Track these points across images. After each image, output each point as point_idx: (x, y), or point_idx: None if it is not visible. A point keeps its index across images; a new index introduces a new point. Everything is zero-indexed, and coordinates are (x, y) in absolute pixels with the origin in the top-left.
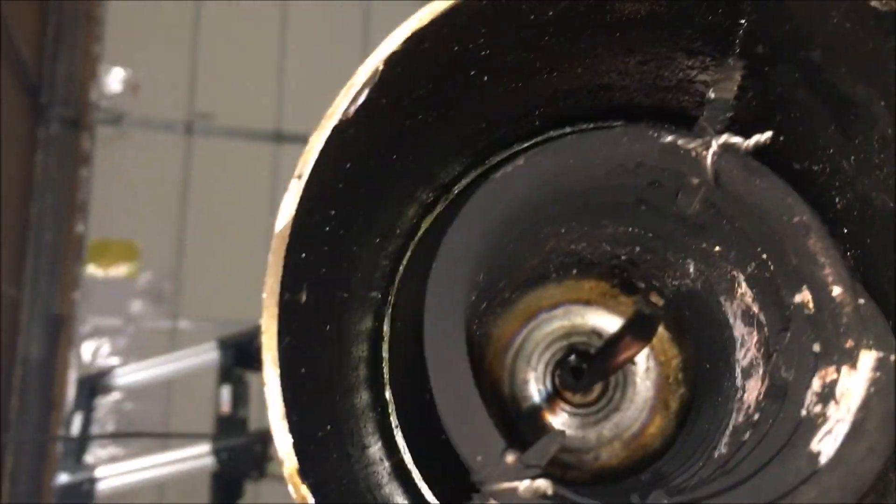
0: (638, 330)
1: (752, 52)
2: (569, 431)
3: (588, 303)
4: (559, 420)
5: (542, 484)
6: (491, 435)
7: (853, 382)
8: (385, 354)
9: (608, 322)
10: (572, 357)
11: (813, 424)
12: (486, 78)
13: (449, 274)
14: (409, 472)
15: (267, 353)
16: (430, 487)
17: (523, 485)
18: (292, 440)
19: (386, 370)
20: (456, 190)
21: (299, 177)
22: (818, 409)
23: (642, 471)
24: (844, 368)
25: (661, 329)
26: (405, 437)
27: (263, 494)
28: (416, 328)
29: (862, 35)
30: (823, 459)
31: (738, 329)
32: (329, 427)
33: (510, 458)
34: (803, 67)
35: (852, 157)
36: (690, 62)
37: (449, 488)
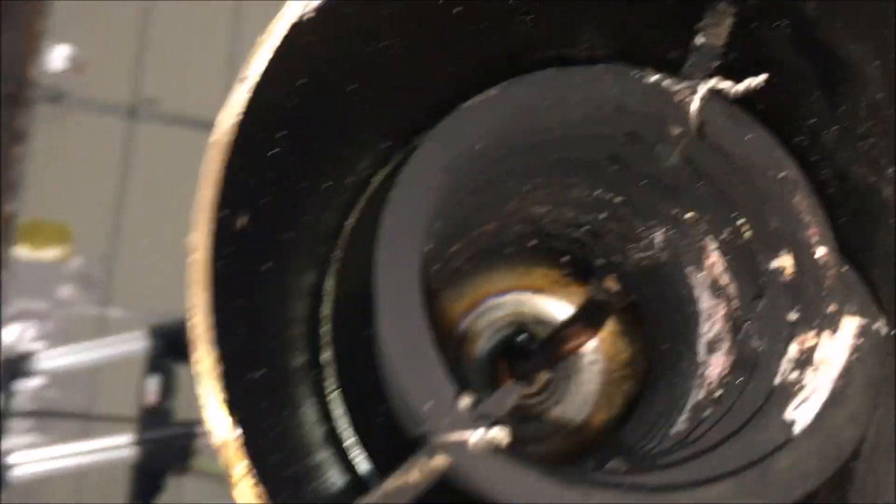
0: (589, 317)
1: (743, 1)
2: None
3: (538, 290)
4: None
5: (499, 434)
6: (442, 380)
7: (834, 348)
8: (326, 313)
9: (558, 311)
10: (521, 337)
11: (788, 392)
12: (454, 11)
13: (407, 205)
14: (342, 440)
15: (197, 275)
16: (369, 458)
17: (476, 435)
18: (223, 380)
19: (324, 331)
20: (416, 142)
21: (244, 79)
22: (794, 375)
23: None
24: (825, 334)
25: (611, 323)
26: (344, 402)
27: (186, 491)
28: (363, 288)
29: None
30: (799, 428)
31: (705, 301)
32: (261, 374)
33: (464, 402)
34: (796, 22)
35: (835, 128)
36: (675, 11)
37: (388, 458)
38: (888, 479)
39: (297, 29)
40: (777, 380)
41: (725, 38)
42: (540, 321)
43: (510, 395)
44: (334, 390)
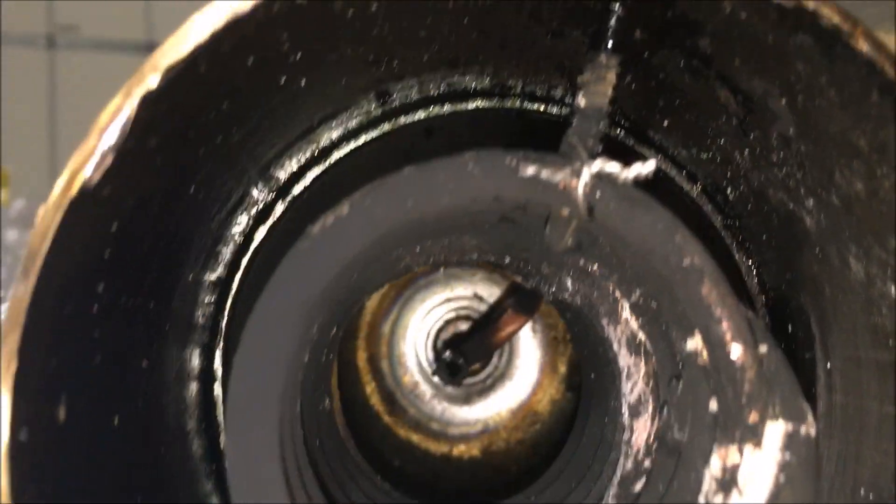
0: (519, 304)
1: (629, 38)
2: (454, 404)
3: (469, 265)
4: (443, 393)
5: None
6: None
7: (758, 466)
8: (218, 394)
9: (491, 286)
10: (447, 354)
11: None
12: (303, 84)
13: (256, 378)
14: None
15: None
16: None
17: None
18: None
19: (221, 413)
20: (295, 191)
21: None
22: (718, 499)
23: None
24: (748, 448)
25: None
26: None
27: None
28: None
29: (762, 28)
30: None
31: (624, 357)
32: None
33: None
34: (691, 56)
35: (746, 151)
36: (556, 60)
37: None
38: None
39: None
40: (701, 499)
41: (611, 96)
42: (474, 296)
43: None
44: None
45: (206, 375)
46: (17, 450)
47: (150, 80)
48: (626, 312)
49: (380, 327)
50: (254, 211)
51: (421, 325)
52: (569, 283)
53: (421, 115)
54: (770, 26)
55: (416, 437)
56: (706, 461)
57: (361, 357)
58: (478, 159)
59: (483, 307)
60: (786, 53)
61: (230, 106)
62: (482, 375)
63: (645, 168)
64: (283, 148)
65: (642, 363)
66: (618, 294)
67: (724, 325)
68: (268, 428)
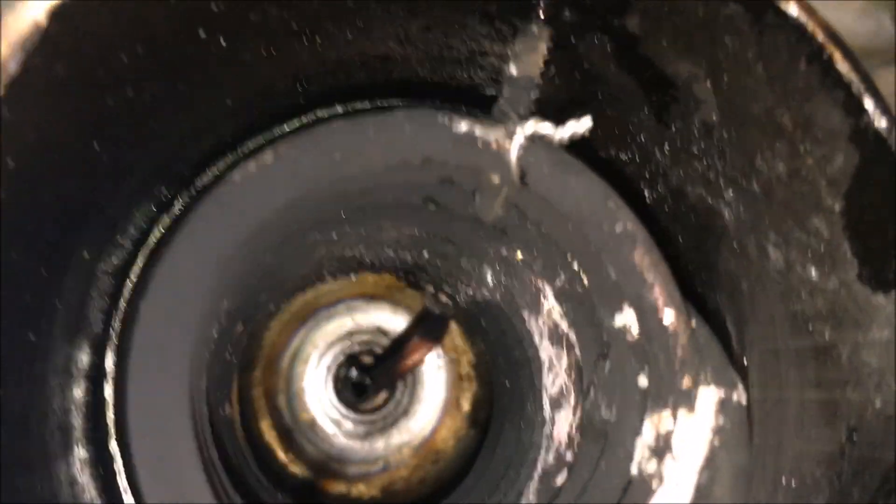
0: (427, 330)
1: (558, 18)
2: (353, 442)
3: (372, 298)
4: (342, 430)
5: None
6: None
7: (693, 431)
8: (109, 397)
9: (394, 319)
10: (353, 373)
11: (647, 487)
12: (223, 42)
13: (165, 320)
14: None
15: None
16: None
17: None
18: None
19: (111, 416)
20: (199, 183)
21: None
22: (652, 466)
23: (438, 493)
24: (681, 412)
25: (452, 324)
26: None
27: None
28: None
29: (691, 1)
30: None
31: (545, 350)
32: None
33: None
34: (617, 38)
35: (666, 146)
36: (485, 30)
37: None
38: None
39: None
40: (634, 468)
41: (541, 66)
42: (377, 330)
43: None
44: (126, 490)
45: (96, 374)
46: None
47: None
48: (548, 302)
49: (278, 361)
50: (156, 202)
51: (322, 359)
52: (489, 277)
53: (339, 108)
54: None
55: (313, 476)
56: (637, 434)
57: (258, 392)
58: (409, 116)
59: (386, 341)
60: (715, 28)
61: (145, 54)
62: (383, 412)
63: (580, 125)
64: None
65: (564, 354)
66: (540, 283)
67: (657, 290)
68: (177, 380)
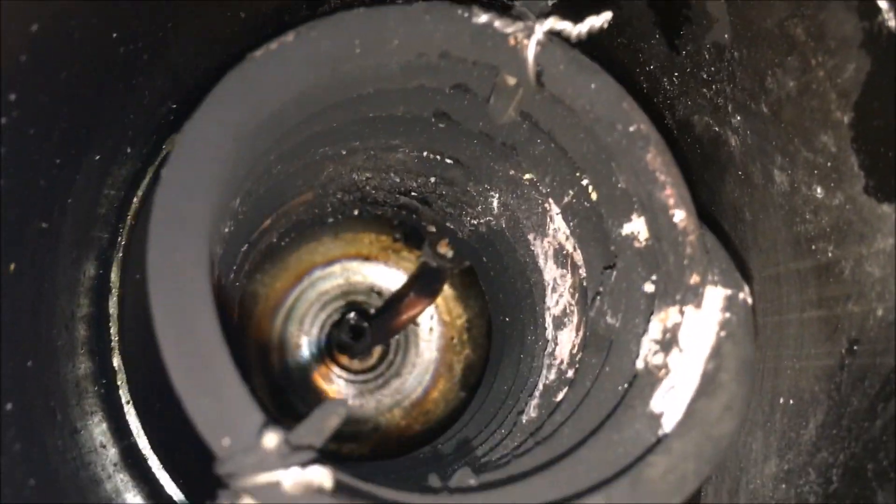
0: (423, 286)
1: None
2: (347, 400)
3: (367, 258)
4: (335, 388)
5: (318, 474)
6: (243, 407)
7: (700, 325)
8: (113, 310)
9: (389, 279)
10: (351, 315)
11: (652, 378)
12: None
13: (186, 185)
14: (144, 459)
15: None
16: (174, 478)
17: (291, 476)
18: None
19: (114, 331)
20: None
21: None
22: (658, 358)
23: (432, 440)
24: (689, 308)
25: (446, 287)
26: (139, 414)
27: None
28: None
29: None
30: (669, 421)
31: (549, 272)
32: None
33: (271, 439)
34: None
35: (675, 74)
36: None
37: (197, 478)
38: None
39: None
40: (639, 363)
41: None
42: (372, 290)
43: (332, 413)
44: (128, 402)
45: (101, 287)
46: None
47: None
48: (554, 223)
49: (272, 319)
50: (166, 117)
51: (316, 318)
52: (495, 203)
53: None
54: None
55: None
56: (642, 333)
57: (251, 350)
58: (429, 7)
59: (380, 302)
60: None
61: None
62: (375, 373)
63: (599, 19)
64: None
65: (568, 275)
66: (547, 204)
67: (668, 190)
68: (197, 243)
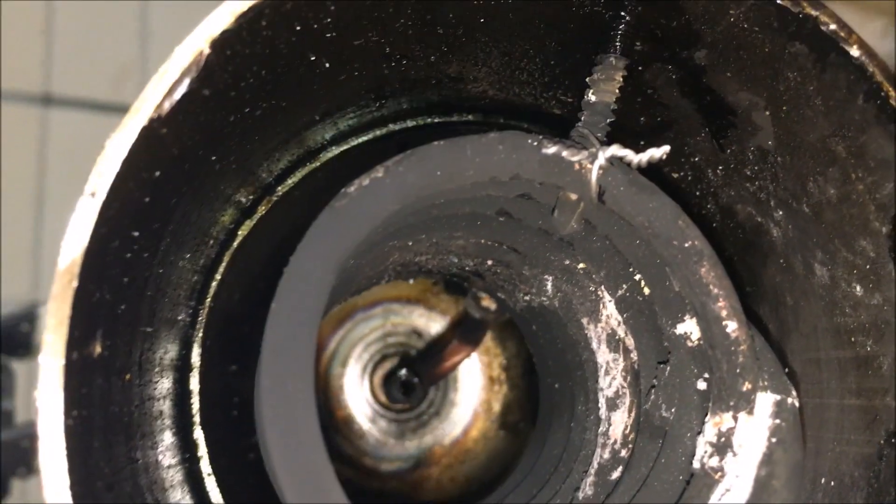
0: (465, 334)
1: (632, 49)
2: (387, 440)
3: (408, 301)
4: (376, 427)
5: None
6: None
7: (752, 430)
8: (194, 387)
9: (429, 322)
10: (402, 372)
11: (710, 480)
12: (327, 64)
13: (293, 316)
14: None
15: (47, 439)
16: None
17: None
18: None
19: (196, 406)
20: (280, 190)
21: (93, 194)
22: (714, 461)
23: (476, 491)
24: (742, 415)
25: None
26: (220, 485)
27: (31, 492)
28: (235, 350)
29: (760, 36)
30: None
31: (602, 354)
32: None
33: None
34: (683, 68)
35: (720, 168)
36: (559, 58)
37: None
38: None
39: (154, 125)
40: (696, 464)
41: (617, 94)
42: (412, 332)
43: None
44: (209, 475)
45: (183, 366)
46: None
47: (221, 21)
48: (607, 310)
49: (317, 360)
50: (241, 207)
51: (359, 359)
52: (549, 286)
53: (410, 123)
54: (770, 34)
55: (348, 473)
56: (697, 432)
57: None
58: (502, 137)
59: (421, 344)
60: (779, 63)
61: (266, 76)
62: (416, 412)
63: (658, 151)
64: (282, 140)
65: (621, 358)
66: (601, 291)
67: (721, 303)
68: (305, 381)
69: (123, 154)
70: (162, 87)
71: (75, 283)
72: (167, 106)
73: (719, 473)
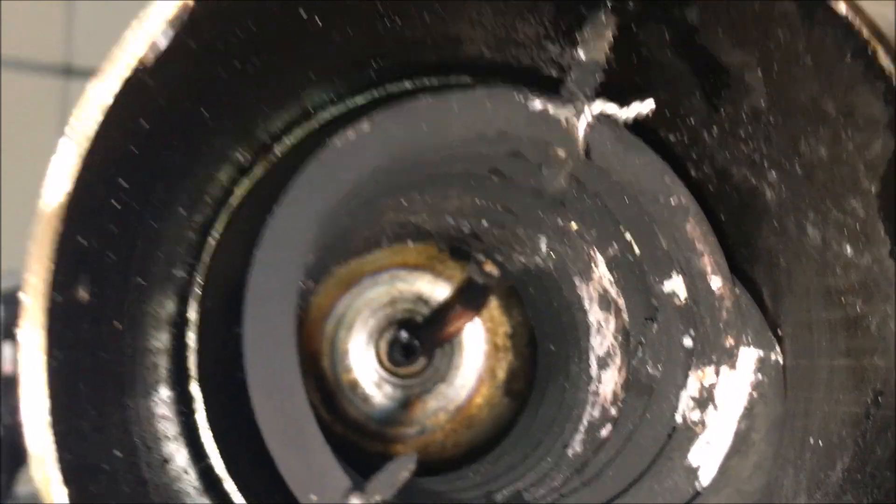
0: (468, 300)
1: (622, 7)
2: (392, 405)
3: (414, 267)
4: (382, 392)
5: None
6: (331, 472)
7: (734, 385)
8: (191, 343)
9: (434, 288)
10: (402, 333)
11: (691, 433)
12: (320, 22)
13: (276, 266)
14: (219, 481)
15: (28, 376)
16: (248, 500)
17: None
18: (66, 491)
19: (193, 361)
20: (278, 150)
21: (75, 141)
22: (695, 415)
23: (477, 454)
24: (724, 369)
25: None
26: (216, 440)
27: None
28: (234, 310)
29: None
30: (705, 475)
31: (594, 314)
32: (116, 451)
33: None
34: (675, 27)
35: (714, 128)
36: (553, 16)
37: (271, 501)
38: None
39: (137, 75)
40: (678, 417)
41: (607, 52)
42: (417, 298)
43: (402, 468)
44: (206, 428)
45: (181, 321)
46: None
47: None
48: (599, 270)
49: (323, 325)
50: (238, 166)
51: (366, 325)
52: (543, 246)
53: (408, 84)
54: None
55: (353, 436)
56: (681, 387)
57: (302, 355)
58: (489, 94)
59: (426, 310)
60: (769, 22)
61: (256, 30)
62: (422, 378)
63: (644, 107)
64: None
65: (612, 318)
66: (593, 252)
67: (706, 259)
68: (287, 328)
69: (107, 102)
70: (144, 39)
71: (57, 225)
72: (151, 57)
73: (700, 426)
